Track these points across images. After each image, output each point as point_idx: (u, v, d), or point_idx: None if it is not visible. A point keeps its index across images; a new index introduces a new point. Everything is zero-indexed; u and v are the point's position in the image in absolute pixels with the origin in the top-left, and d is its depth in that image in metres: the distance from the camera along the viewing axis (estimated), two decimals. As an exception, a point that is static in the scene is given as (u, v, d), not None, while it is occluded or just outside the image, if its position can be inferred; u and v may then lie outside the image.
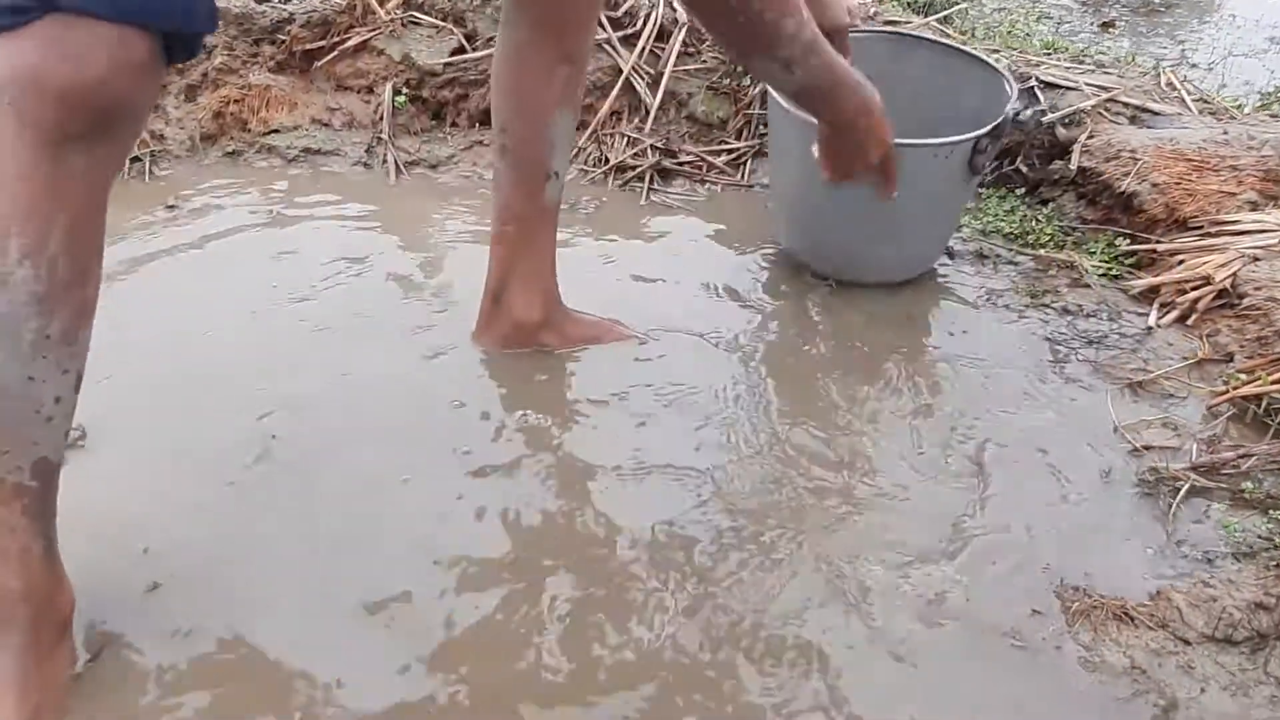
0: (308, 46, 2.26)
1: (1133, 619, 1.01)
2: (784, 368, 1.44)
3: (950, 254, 1.75)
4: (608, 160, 2.11)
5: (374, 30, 2.27)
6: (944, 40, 1.83)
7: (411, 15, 2.31)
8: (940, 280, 1.69)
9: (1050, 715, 0.94)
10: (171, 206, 1.87)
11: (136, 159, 2.02)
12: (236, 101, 2.19)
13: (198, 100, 2.18)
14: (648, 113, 2.18)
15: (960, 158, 1.49)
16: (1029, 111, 1.83)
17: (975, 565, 1.10)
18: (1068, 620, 1.02)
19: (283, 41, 2.25)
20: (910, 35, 1.80)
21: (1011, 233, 1.79)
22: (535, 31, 1.26)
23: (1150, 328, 1.52)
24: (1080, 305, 1.59)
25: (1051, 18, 3.97)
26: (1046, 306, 1.60)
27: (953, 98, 1.66)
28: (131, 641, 0.96)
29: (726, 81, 2.20)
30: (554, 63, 1.27)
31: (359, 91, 2.27)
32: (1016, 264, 1.72)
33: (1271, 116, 1.91)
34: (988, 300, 1.63)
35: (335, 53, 2.25)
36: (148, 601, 1.00)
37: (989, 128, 1.47)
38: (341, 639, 0.98)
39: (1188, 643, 0.99)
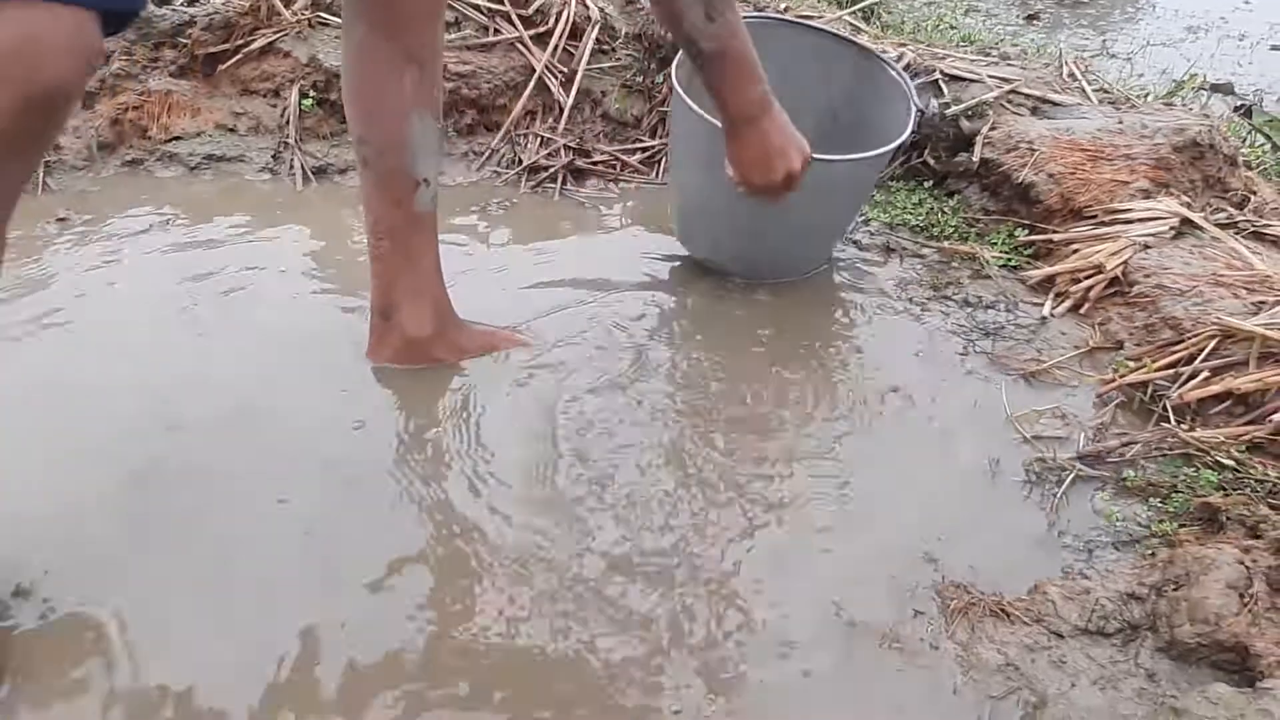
0: (210, 50, 2.19)
1: (1009, 615, 1.01)
2: (687, 366, 1.43)
3: (859, 245, 1.76)
4: (520, 161, 2.08)
5: (280, 31, 2.21)
6: (831, 29, 1.78)
7: (319, 15, 2.25)
8: (847, 275, 1.69)
9: (926, 715, 0.93)
10: (62, 219, 1.80)
11: (29, 170, 1.95)
12: (135, 108, 2.12)
13: (95, 108, 2.11)
14: (561, 111, 2.15)
15: (884, 163, 1.56)
16: (930, 104, 1.84)
17: (860, 562, 1.10)
18: (946, 619, 1.02)
19: (184, 45, 2.18)
20: (783, 20, 1.76)
21: (918, 225, 1.79)
22: (374, 33, 1.19)
23: (1045, 317, 1.53)
24: (980, 296, 1.60)
25: (980, 10, 4.03)
26: (948, 299, 1.61)
27: (824, 84, 1.69)
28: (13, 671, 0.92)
29: (640, 79, 2.19)
30: (400, 64, 1.20)
31: (265, 95, 2.21)
32: (922, 256, 1.73)
33: (1166, 105, 1.94)
34: (891, 294, 1.63)
35: (239, 56, 2.19)
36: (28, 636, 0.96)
37: (909, 131, 1.51)
38: (221, 665, 0.95)
39: (1061, 636, 0.99)
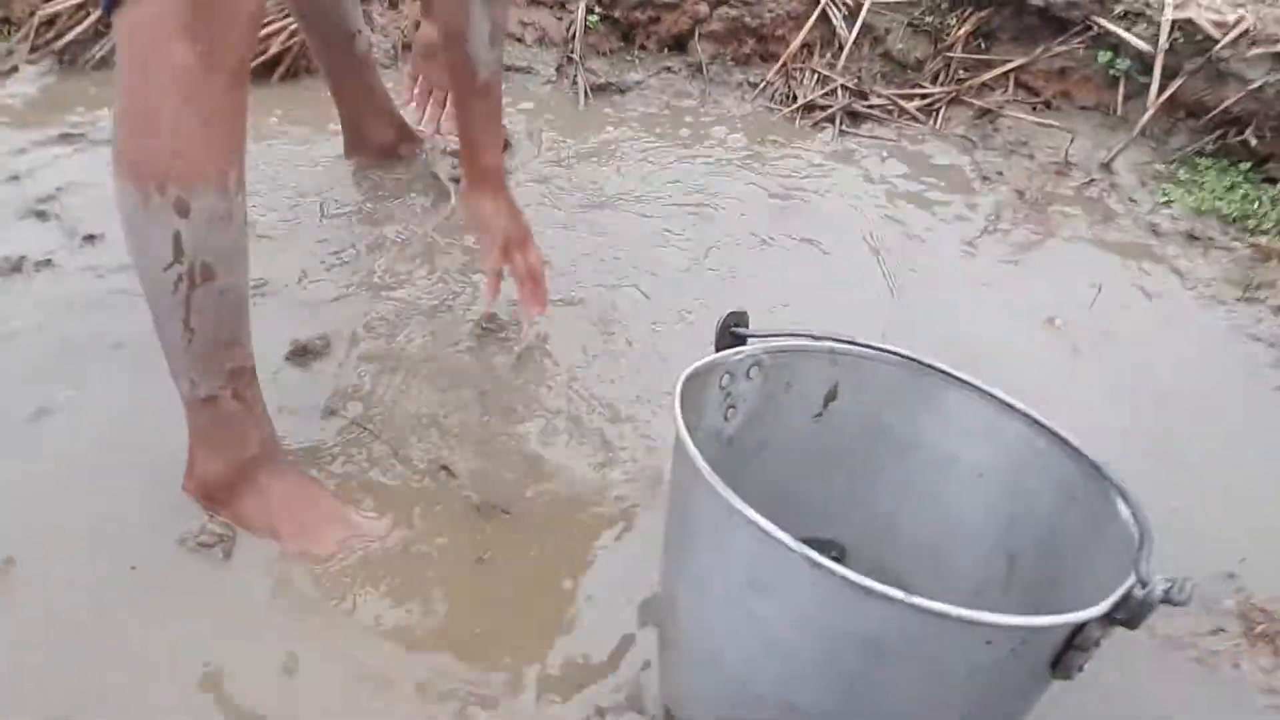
0: (506, -42, 2.29)
1: (1320, 650, 1.01)
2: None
3: (1156, 231, 1.67)
4: (795, 98, 2.08)
5: (571, -57, 2.27)
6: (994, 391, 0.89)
7: (609, -72, 2.29)
8: (1140, 259, 1.62)
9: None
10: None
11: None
12: (436, 13, 2.26)
13: (400, 8, 2.27)
14: (841, 47, 2.12)
15: (1039, 653, 0.68)
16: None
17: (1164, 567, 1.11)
18: (1248, 641, 1.03)
19: (483, -48, 2.29)
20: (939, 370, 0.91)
21: (1230, 215, 1.68)
22: None
23: (1376, 340, 1.43)
24: (1297, 305, 1.50)
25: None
26: (1259, 301, 1.52)
27: (1001, 499, 0.91)
28: None
29: (929, 19, 2.10)
30: None
31: (551, 7, 2.29)
32: (1230, 250, 1.62)
33: None
34: (1193, 288, 1.56)
35: (532, -35, 2.28)
36: None
37: (1112, 600, 0.66)
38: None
39: (1376, 682, 0.98)
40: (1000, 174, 1.82)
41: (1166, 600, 0.66)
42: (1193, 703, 0.98)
